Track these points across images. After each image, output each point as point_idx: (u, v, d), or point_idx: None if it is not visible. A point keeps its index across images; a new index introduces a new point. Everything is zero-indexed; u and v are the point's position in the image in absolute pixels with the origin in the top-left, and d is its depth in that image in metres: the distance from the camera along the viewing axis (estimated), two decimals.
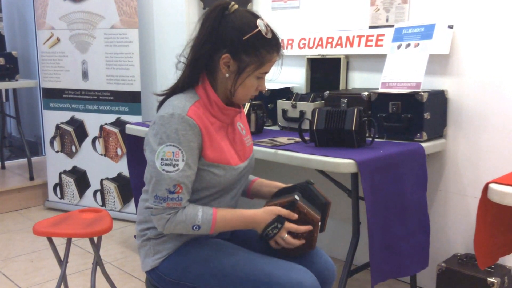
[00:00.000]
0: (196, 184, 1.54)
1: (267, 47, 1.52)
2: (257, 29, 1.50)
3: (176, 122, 1.47)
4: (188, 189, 1.50)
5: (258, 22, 1.51)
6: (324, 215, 1.62)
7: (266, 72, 1.58)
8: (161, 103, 1.60)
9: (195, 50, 1.55)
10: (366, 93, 2.41)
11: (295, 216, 1.54)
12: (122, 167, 3.64)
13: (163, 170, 1.47)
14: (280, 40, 1.57)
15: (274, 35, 1.55)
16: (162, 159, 1.47)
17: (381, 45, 2.60)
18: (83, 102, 3.73)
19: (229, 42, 1.50)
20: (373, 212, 2.01)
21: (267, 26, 1.53)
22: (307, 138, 2.29)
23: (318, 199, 1.62)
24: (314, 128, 2.20)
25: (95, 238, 2.14)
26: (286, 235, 1.53)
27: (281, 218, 1.53)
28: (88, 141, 3.76)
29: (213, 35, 1.52)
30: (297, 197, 1.55)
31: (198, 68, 1.56)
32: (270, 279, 1.47)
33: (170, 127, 1.47)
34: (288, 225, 1.53)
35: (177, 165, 1.47)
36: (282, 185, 1.74)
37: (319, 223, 1.57)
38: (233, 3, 1.55)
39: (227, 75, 1.53)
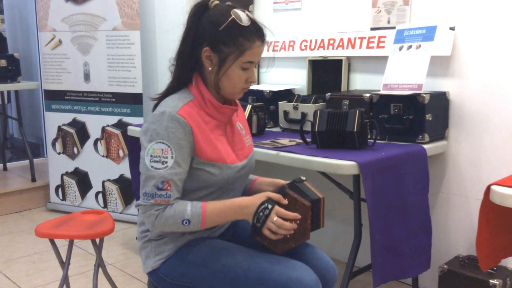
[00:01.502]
0: (193, 183, 1.54)
1: (245, 34, 1.51)
2: (231, 18, 1.50)
3: (166, 120, 1.47)
4: (177, 187, 1.50)
5: (233, 11, 1.51)
6: (317, 210, 1.59)
7: (252, 62, 1.55)
8: (155, 106, 1.61)
9: (180, 50, 1.57)
10: (367, 95, 2.41)
11: (285, 201, 1.51)
12: (123, 168, 3.65)
13: (152, 166, 1.47)
14: (261, 28, 1.55)
15: (253, 22, 1.53)
16: (151, 156, 1.47)
17: (383, 47, 2.60)
18: (85, 103, 3.73)
19: (208, 36, 1.51)
20: (374, 213, 2.01)
21: (247, 15, 1.52)
22: (308, 139, 2.29)
23: (306, 196, 1.57)
24: (316, 129, 2.20)
25: (97, 240, 2.14)
26: (276, 218, 1.48)
27: (270, 200, 1.50)
28: (90, 143, 3.76)
29: (193, 32, 1.53)
30: (285, 185, 1.55)
31: (186, 66, 1.57)
32: (269, 276, 1.47)
33: (160, 125, 1.47)
34: (277, 208, 1.49)
35: (166, 162, 1.47)
36: (284, 182, 1.73)
37: (310, 209, 1.53)
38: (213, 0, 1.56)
39: (210, 68, 1.54)
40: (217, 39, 1.50)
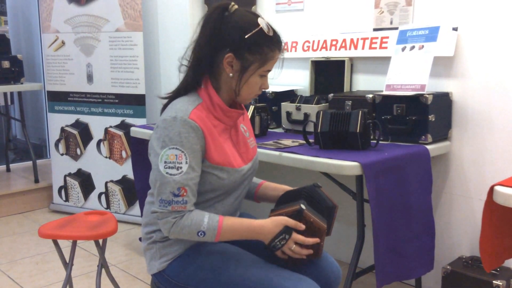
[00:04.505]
0: (199, 186, 1.54)
1: (269, 44, 1.52)
2: (259, 27, 1.50)
3: (178, 125, 1.47)
4: (193, 192, 1.50)
5: (259, 20, 1.52)
6: (330, 219, 1.61)
7: (269, 70, 1.58)
8: (165, 107, 1.61)
9: (197, 52, 1.56)
10: (370, 96, 2.41)
11: (302, 226, 1.52)
12: (126, 169, 3.65)
13: (167, 173, 1.47)
14: (281, 38, 1.57)
15: (275, 32, 1.55)
16: (165, 162, 1.47)
17: (386, 48, 2.60)
18: (88, 105, 3.74)
19: (232, 42, 1.51)
20: (378, 214, 2.01)
21: (268, 24, 1.54)
22: (311, 140, 2.29)
23: (325, 203, 1.61)
24: (319, 130, 2.20)
25: (100, 241, 2.15)
26: (294, 246, 1.52)
27: (288, 229, 1.51)
28: (93, 144, 3.77)
29: (214, 36, 1.52)
30: (303, 206, 1.53)
31: (201, 70, 1.56)
32: None
33: (173, 130, 1.47)
34: (295, 236, 1.51)
35: (181, 167, 1.47)
36: (289, 189, 1.74)
37: (325, 232, 1.56)
38: (232, 3, 1.56)
39: (231, 74, 1.53)
40: (242, 47, 1.50)
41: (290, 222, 1.52)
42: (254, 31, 1.50)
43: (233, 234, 1.52)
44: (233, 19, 1.52)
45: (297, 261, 1.59)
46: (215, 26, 1.52)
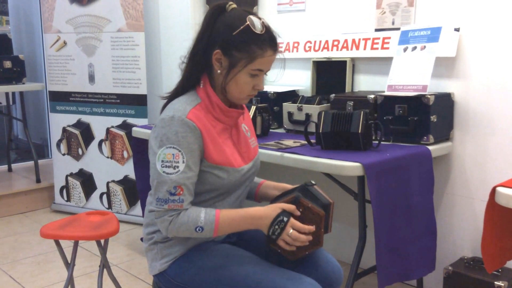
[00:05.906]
0: (199, 186, 1.54)
1: (258, 42, 1.50)
2: (246, 24, 1.49)
3: (176, 124, 1.47)
4: (189, 191, 1.50)
5: (249, 17, 1.51)
6: (327, 215, 1.60)
7: (261, 70, 1.54)
8: (164, 106, 1.61)
9: (192, 50, 1.57)
10: (372, 96, 2.41)
11: (298, 212, 1.52)
12: (128, 169, 3.65)
13: (164, 172, 1.47)
14: (275, 37, 1.55)
15: (268, 31, 1.53)
16: (162, 161, 1.47)
17: (387, 48, 2.60)
18: (90, 105, 3.74)
19: (220, 39, 1.51)
20: (379, 215, 2.00)
21: (262, 23, 1.52)
22: (313, 141, 2.29)
23: (319, 201, 1.59)
24: (320, 131, 2.20)
25: (102, 241, 2.15)
26: (292, 231, 1.49)
27: (285, 212, 1.51)
28: (94, 144, 3.77)
29: (207, 33, 1.53)
30: (299, 193, 1.54)
31: (196, 67, 1.56)
32: None
33: (170, 130, 1.47)
34: (292, 221, 1.50)
35: (177, 167, 1.47)
36: (290, 186, 1.74)
37: (324, 217, 1.55)
38: (230, 3, 1.55)
39: (219, 71, 1.54)
40: (230, 43, 1.50)
41: (286, 206, 1.52)
42: (241, 28, 1.49)
43: (231, 226, 1.51)
44: (225, 17, 1.52)
45: (300, 253, 1.57)
46: (209, 24, 1.53)
